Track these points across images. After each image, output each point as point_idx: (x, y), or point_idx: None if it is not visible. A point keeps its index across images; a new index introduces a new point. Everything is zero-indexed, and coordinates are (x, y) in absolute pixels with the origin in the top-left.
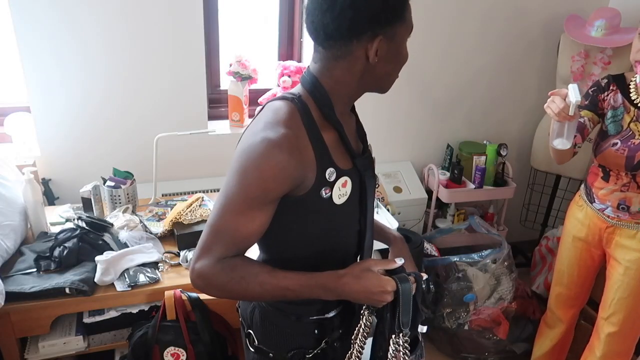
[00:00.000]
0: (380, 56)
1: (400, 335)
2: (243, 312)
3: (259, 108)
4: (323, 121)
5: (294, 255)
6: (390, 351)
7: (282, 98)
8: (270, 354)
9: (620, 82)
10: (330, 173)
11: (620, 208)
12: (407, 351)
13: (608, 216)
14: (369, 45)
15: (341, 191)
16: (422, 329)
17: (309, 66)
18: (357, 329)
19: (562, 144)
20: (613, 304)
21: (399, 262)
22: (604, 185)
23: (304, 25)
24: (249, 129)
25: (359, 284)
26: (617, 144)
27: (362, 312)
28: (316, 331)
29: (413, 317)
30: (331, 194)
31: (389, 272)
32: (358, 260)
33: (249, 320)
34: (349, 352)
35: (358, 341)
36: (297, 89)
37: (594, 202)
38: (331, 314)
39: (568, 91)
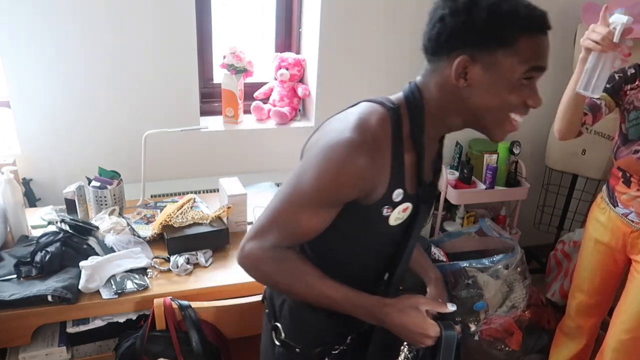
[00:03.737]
0: (472, 82)
1: None
2: (270, 302)
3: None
4: (409, 139)
5: (328, 253)
6: None
7: (382, 104)
8: (297, 349)
9: None
10: (397, 194)
11: None
12: None
13: (632, 221)
14: (454, 63)
15: (399, 215)
16: None
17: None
18: None
19: (589, 88)
20: (631, 310)
21: (451, 308)
22: (625, 190)
23: (303, 15)
24: (339, 121)
25: (401, 319)
26: (638, 151)
27: (402, 347)
28: (343, 327)
29: None
30: (390, 214)
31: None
32: (385, 280)
33: (278, 313)
34: None
35: None
36: (398, 98)
37: (617, 205)
38: None
39: (611, 17)
